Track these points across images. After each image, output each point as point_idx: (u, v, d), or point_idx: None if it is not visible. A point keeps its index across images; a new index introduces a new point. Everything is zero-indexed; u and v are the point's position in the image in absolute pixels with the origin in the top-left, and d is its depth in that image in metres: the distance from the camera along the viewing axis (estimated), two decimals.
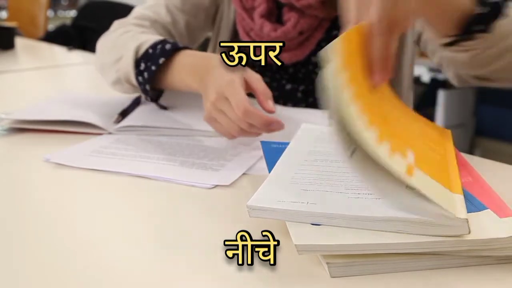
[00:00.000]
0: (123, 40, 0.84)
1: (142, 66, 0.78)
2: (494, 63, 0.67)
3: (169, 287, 0.39)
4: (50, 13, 2.78)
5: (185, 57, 0.77)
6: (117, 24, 0.92)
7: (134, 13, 0.95)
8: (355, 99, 0.41)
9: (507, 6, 0.61)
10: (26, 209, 0.51)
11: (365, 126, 0.40)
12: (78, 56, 1.55)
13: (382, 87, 0.54)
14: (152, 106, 0.84)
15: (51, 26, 2.58)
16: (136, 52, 0.79)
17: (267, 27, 0.87)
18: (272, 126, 0.63)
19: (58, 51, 1.64)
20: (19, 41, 1.65)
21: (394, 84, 0.91)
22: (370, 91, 0.48)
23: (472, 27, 0.61)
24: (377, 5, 0.49)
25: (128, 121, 0.75)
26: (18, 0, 2.60)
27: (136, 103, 0.85)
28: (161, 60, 0.76)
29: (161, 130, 0.74)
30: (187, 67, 0.75)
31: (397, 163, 0.41)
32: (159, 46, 0.78)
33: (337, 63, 0.41)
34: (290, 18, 0.87)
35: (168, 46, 0.77)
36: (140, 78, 0.78)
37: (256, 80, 0.68)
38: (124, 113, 0.79)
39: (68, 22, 2.52)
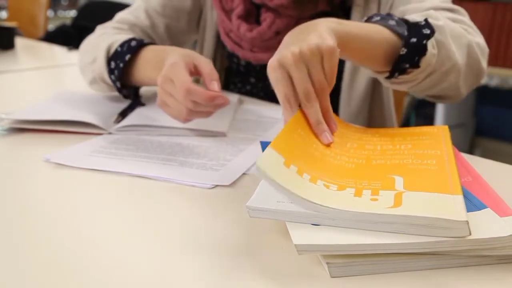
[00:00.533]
0: (98, 42, 0.87)
1: (113, 64, 0.80)
2: (438, 85, 0.69)
3: (168, 287, 0.39)
4: (50, 13, 2.78)
5: (148, 52, 0.80)
6: (98, 28, 0.95)
7: (116, 17, 0.97)
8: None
9: (431, 43, 0.63)
10: (26, 209, 0.51)
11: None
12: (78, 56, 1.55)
13: (355, 136, 0.62)
14: (152, 105, 0.84)
15: (51, 26, 2.58)
16: (108, 51, 0.82)
17: (243, 27, 0.88)
18: (217, 100, 0.65)
19: (58, 51, 1.64)
20: (19, 41, 1.65)
21: (375, 99, 0.91)
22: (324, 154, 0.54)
23: (400, 65, 0.64)
24: (299, 88, 0.55)
25: (128, 121, 0.75)
26: (18, 0, 2.60)
27: (136, 103, 0.85)
28: (127, 57, 0.79)
29: (161, 130, 0.74)
30: (151, 62, 0.78)
31: (383, 200, 0.43)
32: (126, 44, 0.80)
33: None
34: (266, 18, 0.87)
35: (133, 43, 0.80)
36: (112, 77, 0.81)
37: (204, 63, 0.70)
38: (124, 113, 0.79)
39: (68, 22, 2.52)
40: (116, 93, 0.86)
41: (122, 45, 0.81)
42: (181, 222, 0.49)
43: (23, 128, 0.74)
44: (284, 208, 0.43)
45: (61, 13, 4.43)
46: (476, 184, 0.49)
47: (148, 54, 0.79)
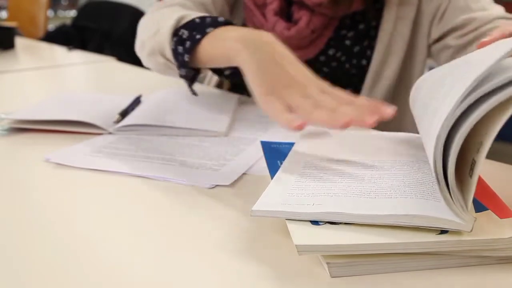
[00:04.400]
0: (166, 15, 0.78)
1: (186, 34, 0.71)
2: None
3: (168, 286, 0.39)
4: (50, 13, 2.78)
5: (228, 28, 0.70)
6: (157, 5, 0.86)
7: None
8: None
9: None
10: (26, 209, 0.51)
11: None
12: (78, 56, 1.55)
13: None
14: (152, 105, 0.84)
15: (51, 26, 2.58)
16: (178, 22, 0.73)
17: (281, 25, 0.87)
18: None
19: (58, 51, 1.64)
20: (19, 41, 1.65)
21: (404, 87, 0.91)
22: None
23: None
24: None
25: (128, 120, 0.75)
26: (18, 0, 2.60)
27: (136, 103, 0.85)
28: (209, 30, 0.69)
29: (161, 129, 0.74)
30: (232, 37, 0.67)
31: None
32: (208, 19, 0.71)
33: None
34: (302, 16, 0.86)
35: (220, 19, 0.71)
36: (180, 48, 0.71)
37: None
38: (124, 113, 0.79)
39: (68, 22, 2.53)
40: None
41: (202, 18, 0.72)
42: (180, 222, 0.49)
43: (23, 128, 0.74)
44: (292, 210, 0.43)
45: (61, 13, 4.44)
46: (477, 185, 0.49)
47: (227, 29, 0.69)
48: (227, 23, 0.71)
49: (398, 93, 0.91)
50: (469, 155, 0.41)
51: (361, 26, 0.90)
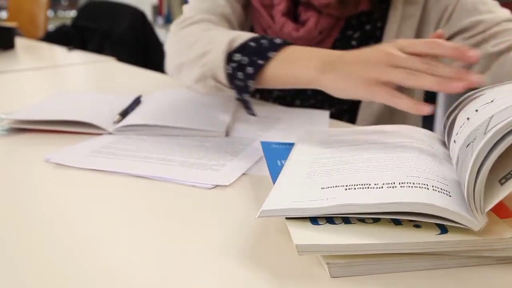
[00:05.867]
0: (209, 35, 0.77)
1: (245, 60, 0.71)
2: None
3: (168, 287, 0.39)
4: (50, 13, 2.79)
5: (293, 50, 0.70)
6: (181, 23, 0.85)
7: (190, 9, 0.88)
8: None
9: None
10: (26, 209, 0.51)
11: None
12: (78, 56, 1.55)
13: None
14: (152, 106, 0.84)
15: (51, 26, 2.58)
16: (229, 45, 0.72)
17: (289, 26, 0.87)
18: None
19: (58, 51, 1.64)
20: (19, 41, 1.65)
21: (408, 88, 0.91)
22: None
23: None
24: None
25: (128, 120, 0.75)
26: (18, 0, 2.60)
27: (136, 103, 0.85)
28: (271, 54, 0.70)
29: (161, 129, 0.74)
30: (295, 60, 0.69)
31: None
32: (264, 42, 0.72)
33: None
34: (309, 17, 0.86)
35: (278, 41, 0.71)
36: (239, 74, 0.71)
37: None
38: (124, 113, 0.79)
39: (68, 22, 2.52)
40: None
41: (255, 41, 0.72)
42: (180, 222, 0.49)
43: (23, 128, 0.74)
44: (307, 206, 0.42)
45: (61, 13, 4.44)
46: None
47: (293, 53, 0.70)
48: (284, 43, 0.71)
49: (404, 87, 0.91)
50: (509, 162, 0.39)
51: (367, 27, 0.90)
